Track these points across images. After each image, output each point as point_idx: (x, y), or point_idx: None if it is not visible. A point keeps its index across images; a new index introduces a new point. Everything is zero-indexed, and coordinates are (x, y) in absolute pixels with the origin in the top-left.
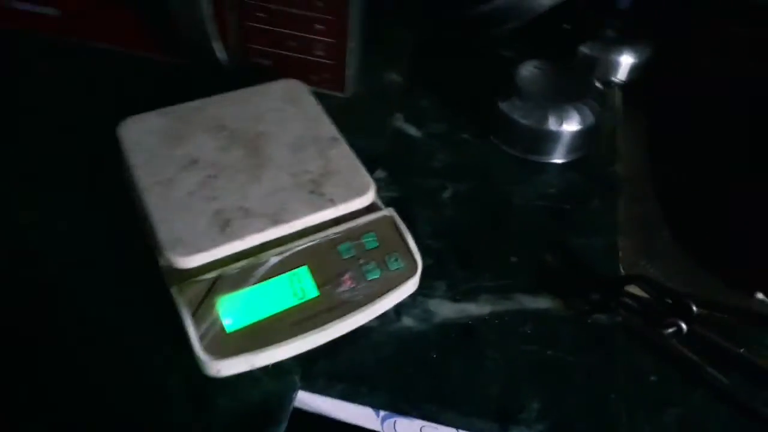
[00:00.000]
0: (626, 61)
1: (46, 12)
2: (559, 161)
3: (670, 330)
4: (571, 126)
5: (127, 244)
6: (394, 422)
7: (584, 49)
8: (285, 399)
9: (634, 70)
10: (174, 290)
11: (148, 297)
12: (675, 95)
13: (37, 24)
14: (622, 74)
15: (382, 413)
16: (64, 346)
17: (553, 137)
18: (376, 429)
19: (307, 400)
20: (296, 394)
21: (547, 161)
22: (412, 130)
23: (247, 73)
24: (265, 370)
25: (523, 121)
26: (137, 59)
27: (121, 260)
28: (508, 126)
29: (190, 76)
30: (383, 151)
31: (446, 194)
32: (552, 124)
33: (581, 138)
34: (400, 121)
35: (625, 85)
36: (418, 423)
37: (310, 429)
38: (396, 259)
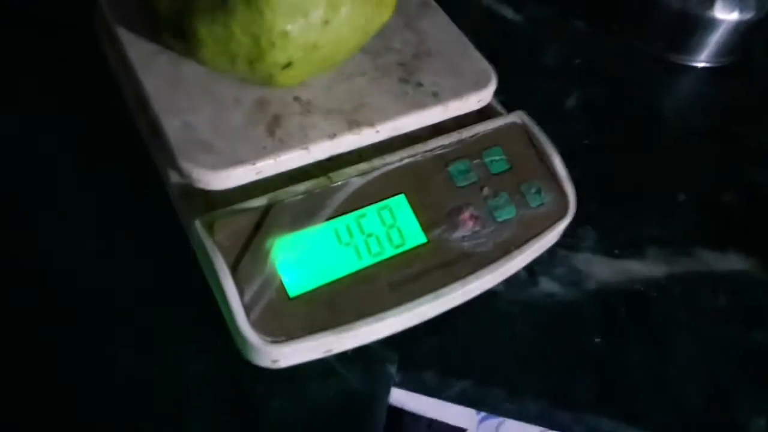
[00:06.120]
0: None
1: None
2: (708, 65)
3: None
4: (745, 14)
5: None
6: (497, 424)
7: None
8: (376, 403)
9: None
10: (197, 225)
11: (148, 237)
12: None
13: None
14: None
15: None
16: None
17: (713, 30)
18: (465, 428)
19: (396, 395)
20: (390, 395)
21: (693, 64)
22: (508, 12)
23: None
24: (344, 356)
25: (674, 4)
26: None
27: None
28: (646, 12)
29: None
30: (471, 36)
31: (571, 102)
32: (719, 10)
33: (745, 34)
34: None
35: None
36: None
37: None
38: (538, 191)
